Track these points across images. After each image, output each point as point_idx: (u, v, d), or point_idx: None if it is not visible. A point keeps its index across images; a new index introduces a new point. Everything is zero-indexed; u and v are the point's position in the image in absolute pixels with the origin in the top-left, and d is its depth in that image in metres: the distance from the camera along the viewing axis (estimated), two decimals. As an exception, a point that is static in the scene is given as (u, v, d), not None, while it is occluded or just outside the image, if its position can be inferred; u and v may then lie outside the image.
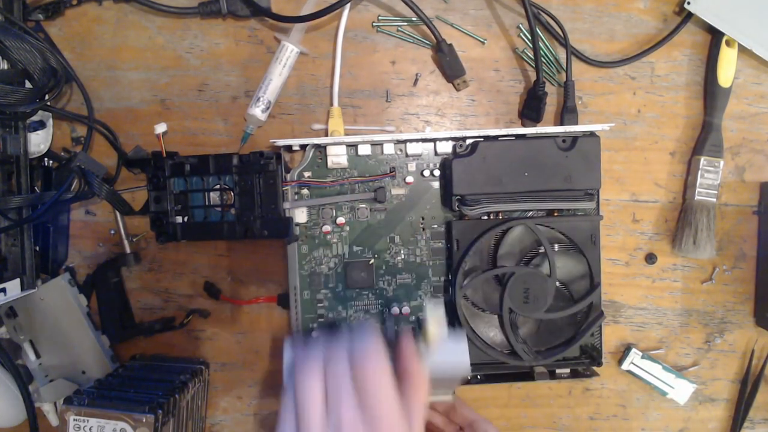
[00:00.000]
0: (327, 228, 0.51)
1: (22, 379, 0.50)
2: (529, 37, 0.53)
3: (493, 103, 0.55)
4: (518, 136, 0.49)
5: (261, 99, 0.52)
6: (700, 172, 0.54)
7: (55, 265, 0.53)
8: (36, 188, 0.52)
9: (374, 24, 0.54)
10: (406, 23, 0.53)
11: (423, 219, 0.52)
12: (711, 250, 0.54)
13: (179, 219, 0.49)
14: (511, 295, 0.49)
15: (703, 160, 0.54)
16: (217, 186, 0.49)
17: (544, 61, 0.54)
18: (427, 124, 0.55)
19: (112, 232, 0.54)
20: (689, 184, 0.56)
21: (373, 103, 0.54)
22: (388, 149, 0.51)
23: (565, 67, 0.53)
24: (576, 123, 0.53)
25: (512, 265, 0.50)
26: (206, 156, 0.48)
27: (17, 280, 0.49)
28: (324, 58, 0.54)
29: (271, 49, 0.53)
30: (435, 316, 0.37)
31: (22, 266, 0.50)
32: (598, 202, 0.50)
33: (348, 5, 0.51)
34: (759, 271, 0.57)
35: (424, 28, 0.52)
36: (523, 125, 0.55)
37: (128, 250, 0.54)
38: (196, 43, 0.53)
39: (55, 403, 0.53)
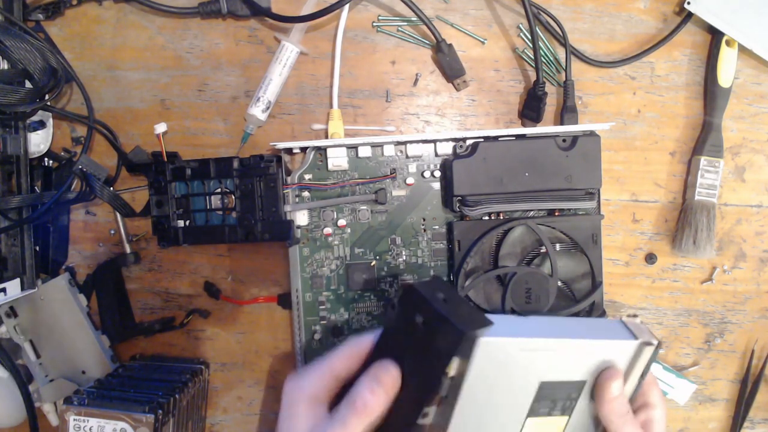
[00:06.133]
0: (328, 230, 0.51)
1: (22, 379, 0.50)
2: (529, 37, 0.53)
3: (493, 103, 0.55)
4: (518, 136, 0.49)
5: (261, 99, 0.52)
6: (700, 172, 0.54)
7: (55, 265, 0.53)
8: (36, 188, 0.52)
9: (374, 24, 0.53)
10: (406, 23, 0.53)
11: (424, 220, 0.52)
12: (711, 250, 0.54)
13: (181, 223, 0.49)
14: (514, 296, 0.49)
15: (703, 160, 0.54)
16: (218, 190, 0.49)
17: (544, 61, 0.54)
18: (427, 124, 0.55)
19: (112, 232, 0.54)
20: (689, 184, 0.56)
21: (373, 103, 0.54)
22: (389, 151, 0.51)
23: (564, 67, 0.53)
24: (576, 123, 0.53)
25: (514, 265, 0.50)
26: (207, 160, 0.48)
27: (17, 280, 0.49)
28: (324, 58, 0.54)
29: (271, 49, 0.53)
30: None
31: (22, 266, 0.50)
32: (599, 202, 0.50)
33: (348, 5, 0.51)
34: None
35: (424, 28, 0.52)
36: (523, 125, 0.55)
37: (128, 250, 0.54)
38: (196, 43, 0.53)
39: (55, 403, 0.53)
